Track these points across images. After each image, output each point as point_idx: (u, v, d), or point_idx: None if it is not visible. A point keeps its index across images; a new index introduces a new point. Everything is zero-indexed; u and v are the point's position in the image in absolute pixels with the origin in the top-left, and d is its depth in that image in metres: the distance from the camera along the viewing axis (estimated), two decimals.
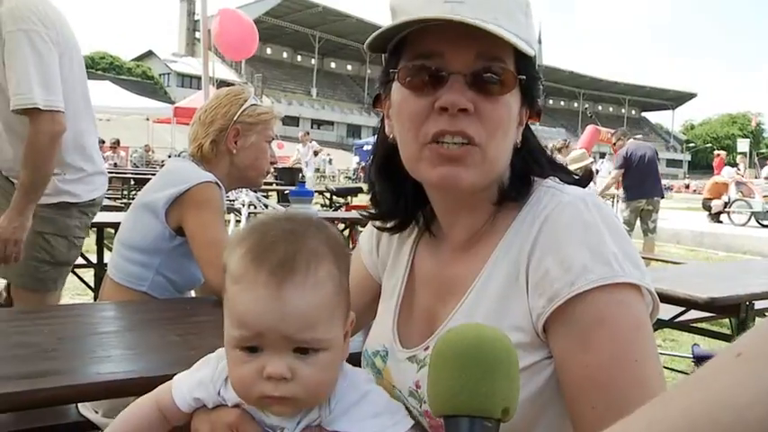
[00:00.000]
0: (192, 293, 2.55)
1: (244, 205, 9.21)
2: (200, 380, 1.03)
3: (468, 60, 0.99)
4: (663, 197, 9.36)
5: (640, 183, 8.99)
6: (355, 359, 1.17)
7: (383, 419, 0.98)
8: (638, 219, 9.19)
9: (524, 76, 1.03)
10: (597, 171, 11.79)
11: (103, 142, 19.54)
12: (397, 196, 1.19)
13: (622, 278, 0.91)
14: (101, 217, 5.61)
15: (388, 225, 1.24)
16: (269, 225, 0.97)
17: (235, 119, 2.41)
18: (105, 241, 4.51)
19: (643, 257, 5.99)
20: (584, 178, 1.12)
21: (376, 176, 1.21)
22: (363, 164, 42.35)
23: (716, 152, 22.91)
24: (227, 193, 2.42)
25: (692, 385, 0.47)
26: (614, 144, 10.04)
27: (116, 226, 2.45)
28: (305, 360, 0.91)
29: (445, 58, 0.99)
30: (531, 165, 1.10)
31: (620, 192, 9.44)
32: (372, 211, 1.24)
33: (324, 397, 0.96)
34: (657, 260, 7.22)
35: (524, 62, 1.03)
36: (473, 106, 0.98)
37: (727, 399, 0.43)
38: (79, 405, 2.15)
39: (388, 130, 1.14)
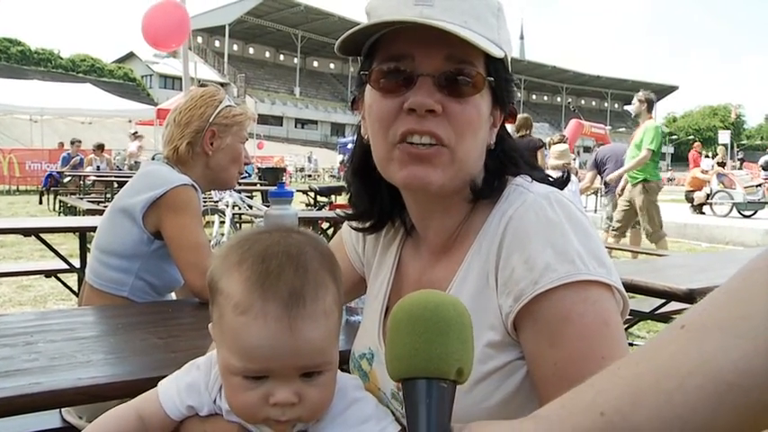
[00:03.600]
0: (173, 295, 2.55)
1: (228, 206, 9.16)
2: (191, 385, 1.01)
3: (437, 62, 1.00)
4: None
5: (618, 177, 9.16)
6: (343, 356, 1.17)
7: (369, 425, 0.98)
8: None
9: (493, 78, 1.04)
10: (581, 165, 11.92)
11: (79, 142, 19.29)
12: (373, 197, 1.20)
13: (586, 276, 0.91)
14: (83, 221, 5.59)
15: (364, 225, 1.25)
16: (266, 245, 0.92)
17: (210, 120, 2.40)
18: (89, 246, 4.49)
19: (627, 251, 6.00)
20: (562, 181, 1.13)
21: (352, 177, 1.22)
22: (345, 161, 42.47)
23: (695, 144, 23.06)
24: (202, 194, 2.42)
25: (639, 356, 0.50)
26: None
27: None
28: (310, 383, 0.90)
29: (415, 61, 1.00)
30: (505, 164, 1.11)
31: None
32: (349, 211, 1.25)
33: (325, 410, 0.95)
34: (640, 252, 7.27)
35: (495, 64, 1.04)
36: (441, 107, 0.99)
37: (670, 368, 0.45)
38: (63, 411, 2.14)
39: (363, 132, 1.15)
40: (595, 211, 15.10)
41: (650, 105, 8.23)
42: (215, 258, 0.97)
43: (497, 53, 1.01)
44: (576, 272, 0.91)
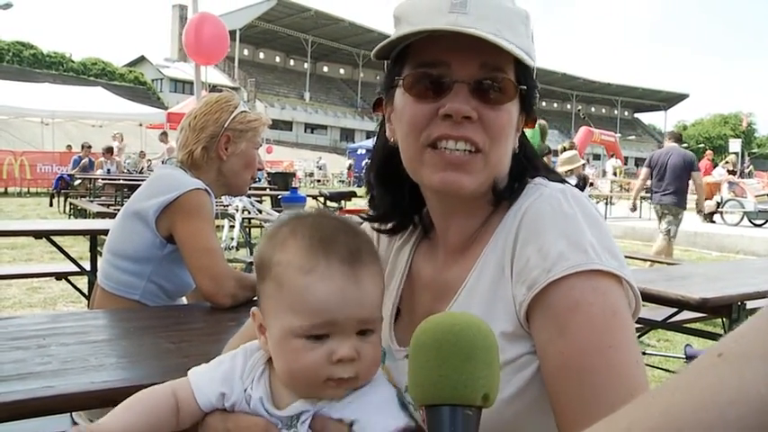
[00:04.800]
0: (185, 300, 2.55)
1: (237, 210, 9.19)
2: (227, 373, 1.03)
3: (472, 70, 1.02)
4: (678, 206, 8.94)
5: (657, 188, 8.98)
6: None
7: (388, 410, 0.99)
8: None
9: (525, 87, 1.06)
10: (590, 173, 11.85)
11: (89, 147, 19.33)
12: (395, 199, 1.22)
13: (598, 265, 0.92)
14: (94, 224, 5.60)
15: (387, 227, 1.26)
16: (313, 220, 1.01)
17: (226, 125, 2.41)
18: (99, 248, 4.50)
19: (641, 259, 5.92)
20: (579, 188, 1.14)
21: (375, 180, 1.23)
22: (352, 166, 42.75)
23: (707, 153, 22.94)
24: (215, 199, 2.42)
25: (673, 386, 0.48)
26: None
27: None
28: (365, 340, 0.96)
29: (451, 68, 1.02)
30: (527, 168, 1.13)
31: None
32: (371, 213, 1.27)
33: (374, 373, 1.01)
34: (651, 261, 7.24)
35: (523, 72, 1.07)
36: (476, 114, 1.01)
37: (708, 398, 0.43)
38: (74, 414, 2.14)
39: (389, 134, 1.16)
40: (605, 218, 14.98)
41: None
42: (260, 246, 1.04)
43: (530, 62, 1.03)
44: (588, 261, 0.92)
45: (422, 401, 0.68)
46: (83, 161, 18.64)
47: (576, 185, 1.17)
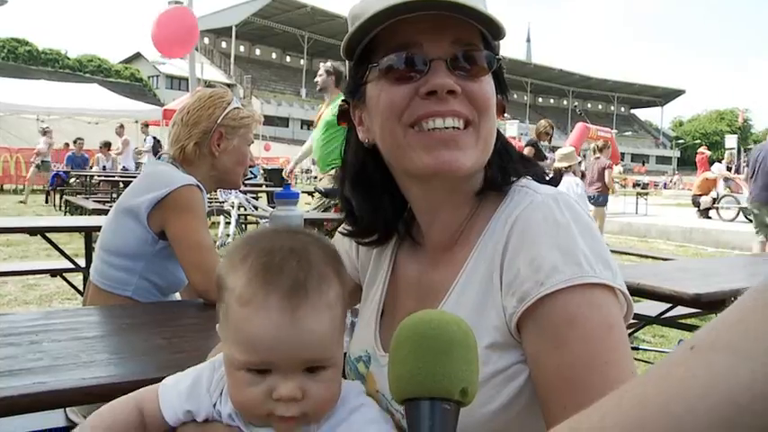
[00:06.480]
0: (177, 296, 2.55)
1: (233, 207, 9.19)
2: (192, 388, 1.00)
3: (445, 47, 1.01)
4: (762, 201, 8.42)
5: (751, 186, 8.63)
6: None
7: (372, 429, 0.97)
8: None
9: (499, 58, 1.06)
10: (586, 169, 11.82)
11: (82, 141, 19.21)
12: (375, 207, 1.18)
13: (593, 278, 0.90)
14: (89, 221, 5.60)
15: (370, 239, 1.23)
16: (271, 242, 0.94)
17: (218, 121, 2.41)
18: (94, 245, 4.49)
19: (636, 255, 5.94)
20: (553, 179, 1.13)
21: (351, 191, 1.19)
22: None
23: (700, 150, 22.91)
24: (207, 194, 2.42)
25: (646, 378, 0.48)
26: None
27: None
28: (314, 378, 0.90)
29: (423, 47, 1.01)
30: (506, 161, 1.11)
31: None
32: (350, 228, 1.23)
33: (330, 410, 0.95)
34: (647, 257, 7.27)
35: (491, 49, 1.06)
36: (459, 88, 1.00)
37: (679, 390, 0.43)
38: (68, 410, 2.14)
39: (362, 136, 1.13)
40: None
41: (338, 78, 7.29)
42: (223, 258, 0.97)
43: (503, 27, 1.03)
44: (582, 274, 0.90)
45: (401, 396, 0.68)
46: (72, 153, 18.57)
47: (551, 179, 1.16)
